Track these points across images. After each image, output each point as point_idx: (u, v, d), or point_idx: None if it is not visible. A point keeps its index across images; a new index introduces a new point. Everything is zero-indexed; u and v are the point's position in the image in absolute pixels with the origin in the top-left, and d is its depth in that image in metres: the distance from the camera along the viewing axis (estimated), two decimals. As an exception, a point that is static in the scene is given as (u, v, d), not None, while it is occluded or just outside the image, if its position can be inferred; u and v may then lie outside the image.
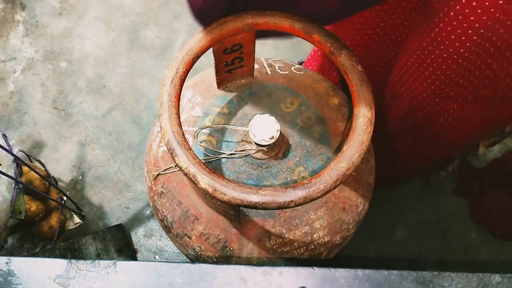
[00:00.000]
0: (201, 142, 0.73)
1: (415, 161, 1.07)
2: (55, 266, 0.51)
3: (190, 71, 0.64)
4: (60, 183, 1.29)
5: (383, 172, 1.15)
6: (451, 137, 0.84)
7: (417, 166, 1.11)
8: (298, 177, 0.71)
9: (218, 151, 0.72)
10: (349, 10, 0.66)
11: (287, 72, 0.83)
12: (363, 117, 0.60)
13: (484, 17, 0.57)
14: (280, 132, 0.67)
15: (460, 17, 0.60)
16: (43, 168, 1.16)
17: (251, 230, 0.71)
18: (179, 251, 1.08)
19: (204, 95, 0.79)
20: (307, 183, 0.55)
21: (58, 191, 1.11)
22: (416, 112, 0.84)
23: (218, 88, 0.78)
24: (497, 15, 0.56)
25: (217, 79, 0.76)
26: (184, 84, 0.64)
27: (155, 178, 0.79)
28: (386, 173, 1.17)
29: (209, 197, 0.64)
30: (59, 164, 1.33)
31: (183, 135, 0.59)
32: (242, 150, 0.70)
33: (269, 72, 0.82)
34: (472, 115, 0.74)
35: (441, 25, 0.65)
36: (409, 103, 0.85)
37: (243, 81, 0.79)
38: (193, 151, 0.58)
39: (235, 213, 0.66)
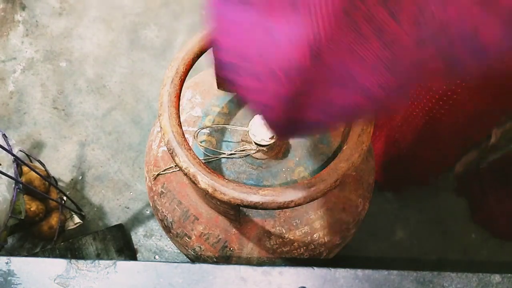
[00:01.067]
0: (201, 142, 0.73)
1: (417, 166, 1.08)
2: (55, 266, 0.51)
3: (190, 71, 0.64)
4: (60, 183, 1.29)
5: (388, 177, 1.15)
6: (451, 139, 0.85)
7: (420, 170, 1.11)
8: (298, 177, 0.71)
9: (218, 151, 0.72)
10: None
11: (287, 72, 0.83)
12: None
13: None
14: (280, 132, 0.67)
15: None
16: (43, 168, 1.16)
17: (251, 230, 0.71)
18: (179, 251, 1.08)
19: (204, 95, 0.79)
20: (307, 183, 0.55)
21: (58, 191, 1.11)
22: (419, 114, 0.84)
23: (218, 88, 0.78)
24: None
25: (217, 79, 0.76)
26: (184, 84, 0.64)
27: (155, 178, 0.79)
28: (390, 178, 1.18)
29: (209, 197, 0.64)
30: (59, 164, 1.33)
31: (183, 135, 0.59)
32: (242, 150, 0.70)
33: (269, 72, 0.82)
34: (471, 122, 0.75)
35: None
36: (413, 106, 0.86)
37: (243, 81, 0.79)
38: (193, 151, 0.58)
39: (235, 213, 0.66)
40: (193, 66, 0.64)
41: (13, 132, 1.35)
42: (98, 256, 1.11)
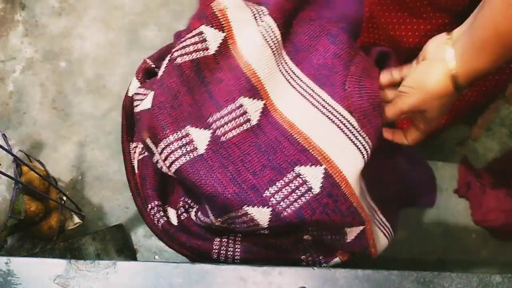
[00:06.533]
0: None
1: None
2: (55, 266, 0.51)
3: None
4: (59, 183, 1.29)
5: None
6: None
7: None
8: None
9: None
10: None
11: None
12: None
13: None
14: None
15: None
16: (42, 168, 1.16)
17: (251, 230, 0.71)
18: (179, 251, 1.08)
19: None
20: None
21: (57, 191, 1.11)
22: None
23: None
24: None
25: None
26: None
27: (155, 178, 0.78)
28: None
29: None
30: (59, 164, 1.33)
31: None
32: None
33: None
34: None
35: None
36: None
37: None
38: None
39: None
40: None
41: (12, 132, 1.35)
42: (98, 256, 1.11)
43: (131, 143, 0.75)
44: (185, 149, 0.57)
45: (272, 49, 0.61)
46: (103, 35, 1.47)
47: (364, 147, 0.60)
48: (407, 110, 0.57)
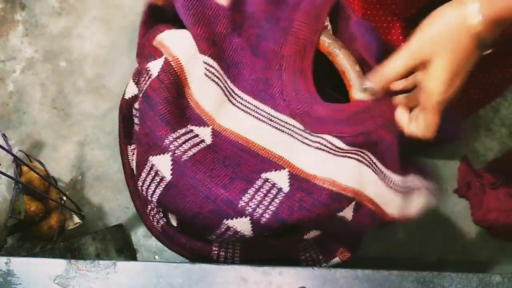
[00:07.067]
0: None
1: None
2: (55, 266, 0.51)
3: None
4: (59, 183, 1.29)
5: None
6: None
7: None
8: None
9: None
10: None
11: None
12: (363, 117, 0.60)
13: None
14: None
15: None
16: (42, 168, 1.16)
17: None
18: (179, 251, 1.08)
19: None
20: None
21: (57, 191, 1.11)
22: None
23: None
24: None
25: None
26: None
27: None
28: None
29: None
30: (59, 164, 1.33)
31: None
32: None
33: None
34: None
35: None
36: None
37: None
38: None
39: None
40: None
41: (12, 132, 1.35)
42: (98, 256, 1.11)
43: (128, 145, 0.75)
44: (156, 181, 0.58)
45: (216, 82, 0.62)
46: (103, 35, 1.48)
47: (320, 143, 0.60)
48: (413, 49, 0.52)
